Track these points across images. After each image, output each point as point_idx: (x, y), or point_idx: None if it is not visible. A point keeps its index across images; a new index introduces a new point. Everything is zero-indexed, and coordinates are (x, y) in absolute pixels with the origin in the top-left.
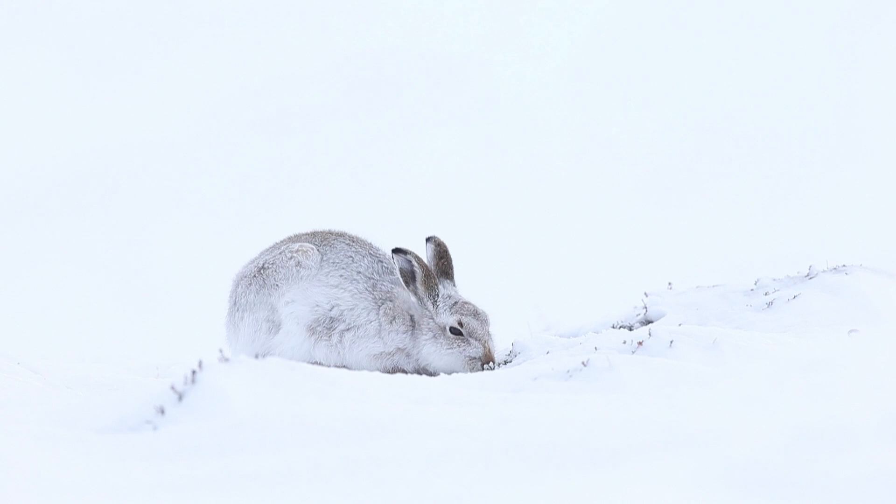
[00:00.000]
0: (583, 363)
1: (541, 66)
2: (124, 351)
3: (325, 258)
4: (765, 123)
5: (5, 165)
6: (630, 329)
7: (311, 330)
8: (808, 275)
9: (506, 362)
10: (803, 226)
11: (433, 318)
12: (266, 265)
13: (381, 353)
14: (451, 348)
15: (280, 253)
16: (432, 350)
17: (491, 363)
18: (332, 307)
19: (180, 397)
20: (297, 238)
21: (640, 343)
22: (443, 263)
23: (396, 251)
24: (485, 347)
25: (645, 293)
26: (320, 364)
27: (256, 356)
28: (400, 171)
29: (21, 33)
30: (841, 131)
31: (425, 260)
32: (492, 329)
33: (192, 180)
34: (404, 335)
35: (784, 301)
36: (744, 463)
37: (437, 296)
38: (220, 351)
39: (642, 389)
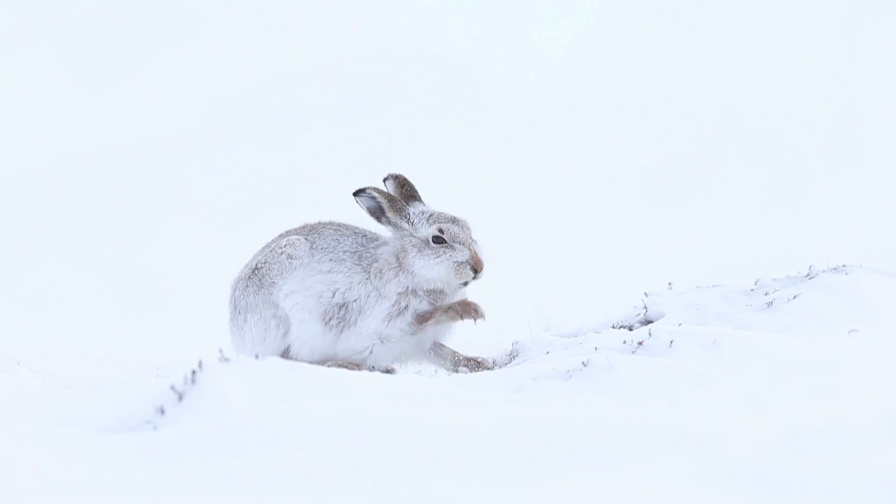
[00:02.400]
0: (583, 363)
1: (541, 66)
2: (124, 351)
3: (314, 245)
4: (765, 123)
5: (5, 165)
6: (630, 329)
7: (327, 324)
8: (808, 275)
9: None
10: (803, 226)
11: (413, 235)
12: (259, 265)
13: (389, 312)
14: (439, 256)
15: (270, 251)
16: (422, 263)
17: (479, 267)
18: (334, 293)
19: (180, 397)
20: (286, 233)
21: (640, 343)
22: (406, 190)
23: (357, 193)
24: (470, 250)
25: (645, 293)
26: (356, 351)
27: (256, 356)
28: (400, 171)
29: (21, 33)
30: (841, 131)
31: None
32: (475, 235)
33: (193, 180)
34: (396, 278)
35: (784, 301)
36: (744, 463)
37: (409, 214)
38: (220, 351)
39: (642, 389)
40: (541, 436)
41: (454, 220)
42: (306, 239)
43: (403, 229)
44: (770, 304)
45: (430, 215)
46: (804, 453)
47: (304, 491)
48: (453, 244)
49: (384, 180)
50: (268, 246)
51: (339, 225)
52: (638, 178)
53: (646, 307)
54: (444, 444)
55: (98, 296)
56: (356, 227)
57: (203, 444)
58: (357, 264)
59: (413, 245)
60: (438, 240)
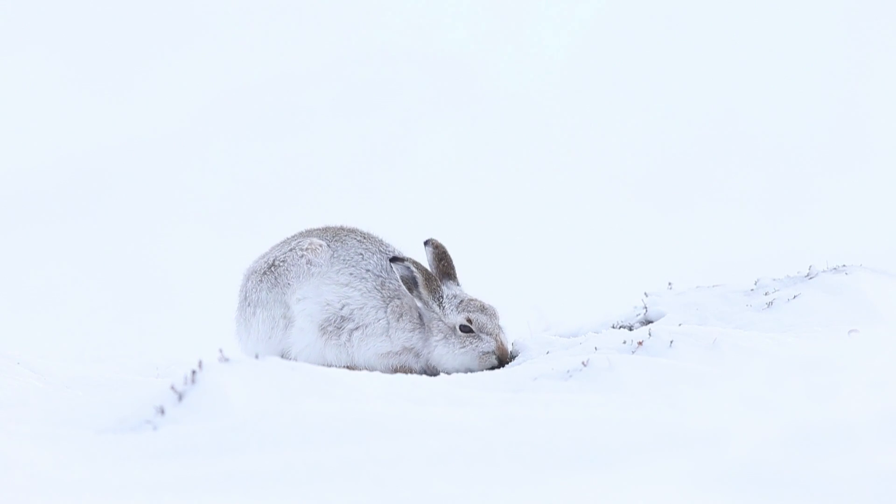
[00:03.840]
0: (583, 363)
1: (541, 66)
2: (124, 351)
3: (335, 255)
4: (765, 123)
5: (5, 165)
6: (630, 329)
7: (323, 329)
8: (808, 275)
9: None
10: (803, 226)
11: (441, 320)
12: (276, 262)
13: (389, 353)
14: (464, 346)
15: (291, 250)
16: (445, 351)
17: (505, 357)
18: (343, 306)
19: (180, 397)
20: (308, 233)
21: (640, 343)
22: (443, 265)
23: (394, 260)
24: (497, 341)
25: (645, 293)
26: (331, 364)
27: (257, 356)
28: (400, 171)
29: (21, 33)
30: (841, 131)
31: (425, 263)
32: (502, 322)
33: (193, 180)
34: (411, 333)
35: (784, 301)
36: (744, 463)
37: (442, 297)
38: (220, 351)
39: (642, 389)
40: (541, 436)
41: (483, 310)
42: (329, 246)
43: (433, 311)
44: (770, 304)
45: (461, 302)
46: (804, 453)
47: (304, 491)
48: (480, 334)
49: (424, 243)
50: (287, 243)
51: (363, 236)
52: (638, 177)
53: (646, 307)
54: (444, 444)
55: (98, 296)
56: (380, 242)
57: (203, 444)
58: (377, 290)
59: (440, 330)
60: (466, 329)
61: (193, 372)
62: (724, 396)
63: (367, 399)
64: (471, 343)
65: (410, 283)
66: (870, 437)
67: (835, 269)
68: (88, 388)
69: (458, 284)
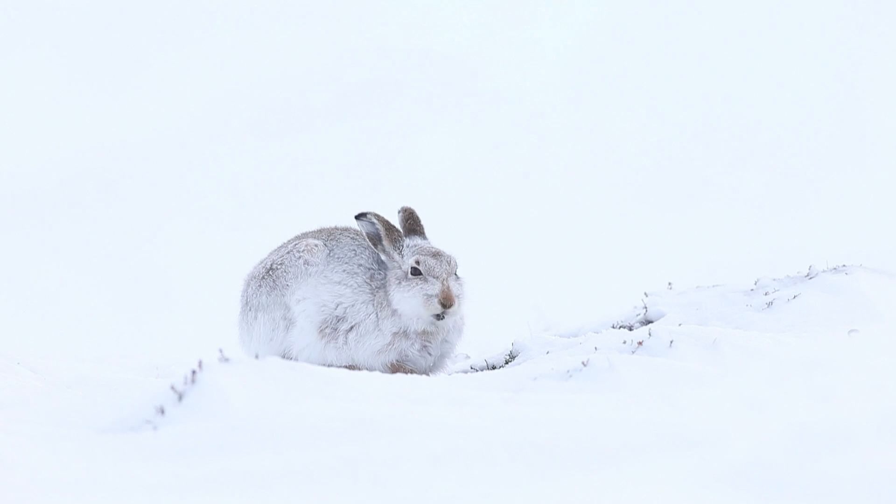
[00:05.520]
0: (583, 363)
1: (541, 66)
2: (124, 351)
3: (331, 253)
4: (765, 123)
5: (5, 165)
6: (630, 329)
7: (321, 332)
8: (808, 275)
9: (506, 362)
10: (803, 226)
11: (400, 268)
12: (274, 265)
13: (383, 347)
14: (411, 288)
15: (288, 252)
16: (397, 297)
17: (448, 302)
18: (337, 305)
19: (180, 397)
20: (304, 236)
21: (640, 343)
22: (409, 223)
23: (358, 217)
24: (442, 285)
25: (645, 293)
26: (332, 364)
27: (257, 356)
28: (399, 171)
29: (21, 33)
30: (841, 131)
31: (397, 227)
32: (461, 272)
33: (193, 180)
34: (392, 317)
35: (784, 301)
36: (744, 463)
37: (403, 246)
38: (220, 351)
39: (642, 389)
40: (541, 436)
41: (434, 254)
42: (325, 245)
43: (394, 261)
44: (770, 304)
45: (417, 248)
46: (804, 453)
47: (304, 491)
48: (428, 277)
49: (398, 212)
50: (284, 246)
51: (357, 233)
52: (638, 178)
53: (646, 307)
54: (444, 444)
55: (98, 296)
56: None
57: (203, 444)
58: (367, 283)
59: (395, 277)
60: (415, 272)
61: (193, 372)
62: (724, 396)
63: (367, 399)
64: (418, 286)
65: (375, 239)
66: (870, 437)
67: (835, 269)
68: (88, 388)
69: (424, 239)
